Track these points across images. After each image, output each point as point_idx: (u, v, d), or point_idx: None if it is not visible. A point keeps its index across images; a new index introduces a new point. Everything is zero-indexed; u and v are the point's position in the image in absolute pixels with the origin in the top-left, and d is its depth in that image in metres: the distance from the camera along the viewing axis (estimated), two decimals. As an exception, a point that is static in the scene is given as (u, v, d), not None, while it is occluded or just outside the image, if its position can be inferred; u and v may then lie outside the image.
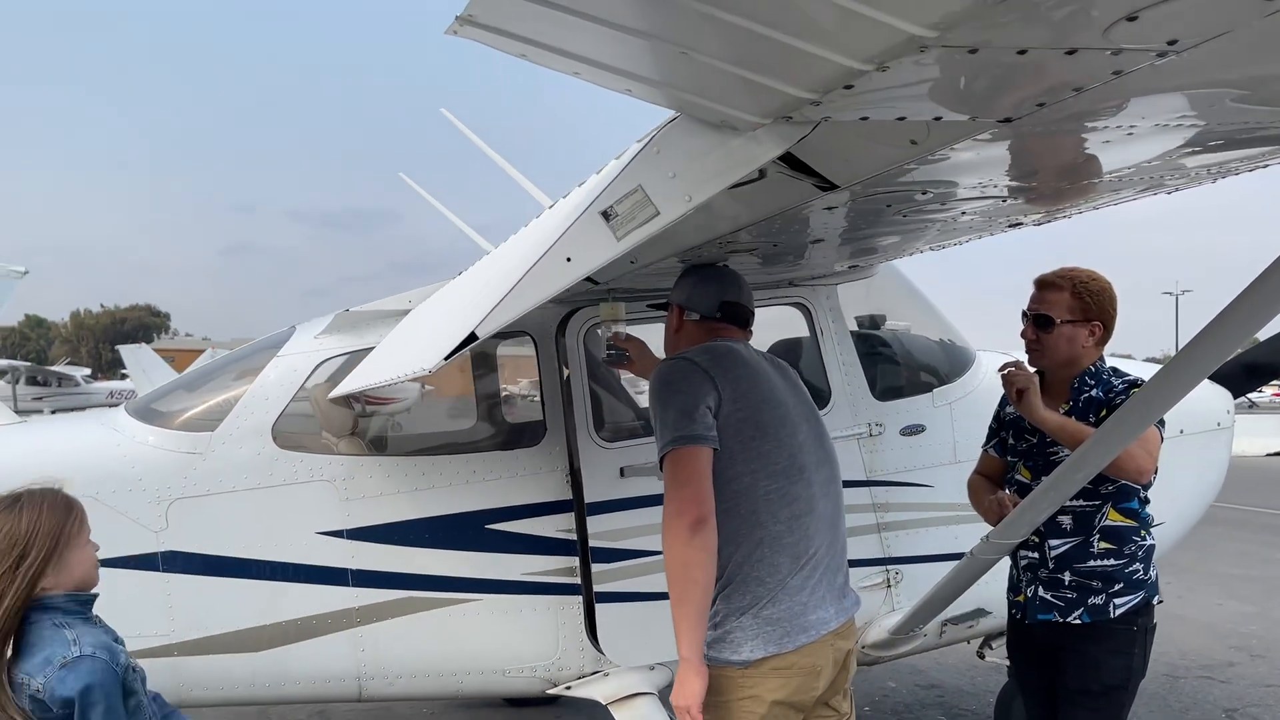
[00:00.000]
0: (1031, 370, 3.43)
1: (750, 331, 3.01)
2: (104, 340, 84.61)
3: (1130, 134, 1.82)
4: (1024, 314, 3.44)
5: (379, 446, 4.28)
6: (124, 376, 36.21)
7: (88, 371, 49.43)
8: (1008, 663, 5.29)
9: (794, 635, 2.64)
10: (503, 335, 4.41)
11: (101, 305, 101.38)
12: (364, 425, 4.28)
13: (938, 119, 1.55)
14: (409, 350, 3.06)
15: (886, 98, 1.44)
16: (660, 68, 1.47)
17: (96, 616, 2.54)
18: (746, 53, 1.34)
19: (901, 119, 1.56)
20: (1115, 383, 3.36)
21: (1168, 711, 6.00)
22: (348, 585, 3.87)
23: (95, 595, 2.53)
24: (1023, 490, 3.44)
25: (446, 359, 1.86)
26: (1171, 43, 1.24)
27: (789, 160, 1.98)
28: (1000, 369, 3.46)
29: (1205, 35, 1.22)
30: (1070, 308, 3.32)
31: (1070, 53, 1.26)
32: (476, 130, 9.54)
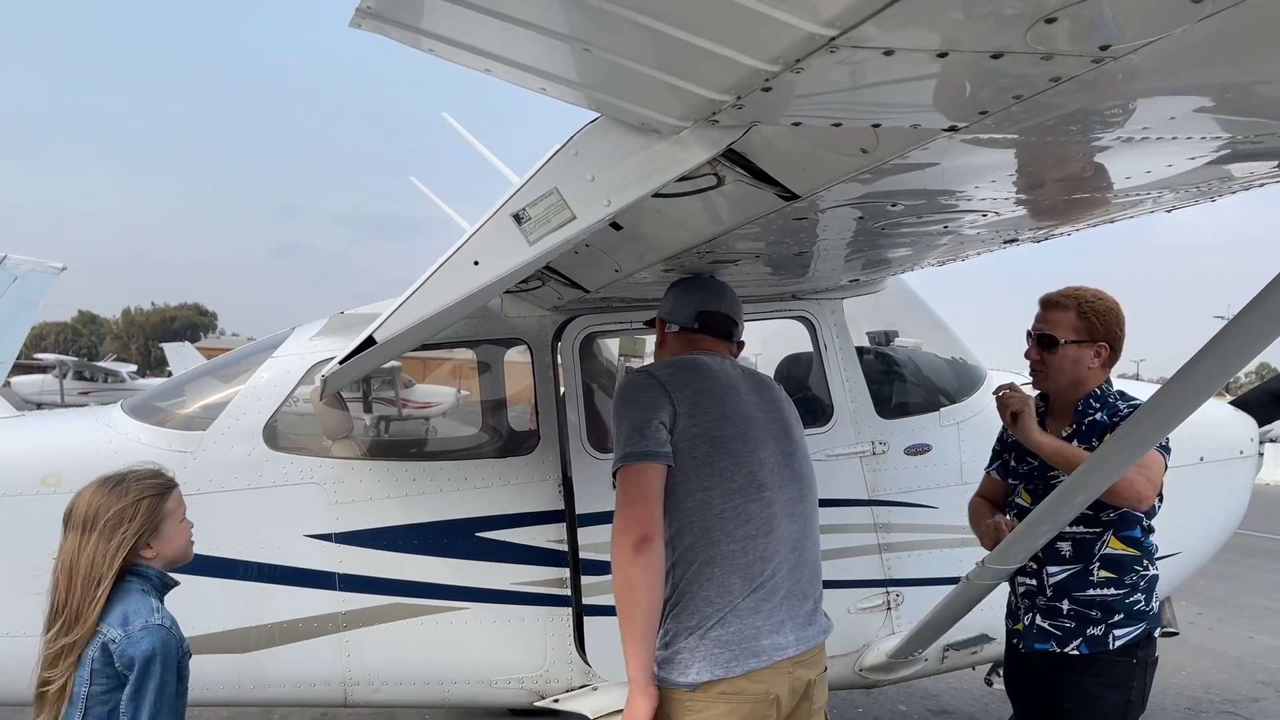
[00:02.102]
0: (1029, 391, 3.34)
1: (734, 343, 2.93)
2: (153, 337, 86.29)
3: (1099, 146, 1.75)
4: (1028, 334, 3.35)
5: (371, 450, 4.27)
6: (169, 374, 36.83)
7: (134, 368, 50.33)
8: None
9: (743, 659, 2.52)
10: (503, 342, 4.40)
11: (152, 303, 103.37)
12: (358, 429, 4.27)
13: (877, 125, 1.49)
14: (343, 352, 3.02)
15: (814, 102, 1.38)
16: (572, 67, 1.42)
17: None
18: (656, 52, 1.29)
19: (838, 125, 1.50)
20: (1121, 407, 3.25)
21: (1186, 747, 5.81)
22: (335, 589, 3.86)
23: (178, 583, 2.74)
24: (1021, 514, 3.34)
25: (341, 363, 1.82)
26: (1104, 48, 1.17)
27: (750, 169, 1.93)
28: (995, 391, 3.37)
29: (1139, 40, 1.14)
30: (1075, 328, 3.22)
31: (996, 56, 1.19)
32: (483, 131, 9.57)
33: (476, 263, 1.68)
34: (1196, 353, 2.61)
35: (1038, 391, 3.44)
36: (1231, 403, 5.08)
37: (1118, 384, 3.45)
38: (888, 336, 5.09)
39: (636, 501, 2.52)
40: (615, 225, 2.54)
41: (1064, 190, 2.16)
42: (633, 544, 2.48)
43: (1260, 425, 4.95)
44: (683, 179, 1.95)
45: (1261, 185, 2.23)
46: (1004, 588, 3.51)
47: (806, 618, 2.69)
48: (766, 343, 5.94)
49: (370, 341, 1.73)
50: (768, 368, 5.00)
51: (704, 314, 2.84)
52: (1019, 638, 3.36)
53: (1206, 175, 2.15)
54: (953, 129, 1.47)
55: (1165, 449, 3.15)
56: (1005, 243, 2.99)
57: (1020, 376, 4.89)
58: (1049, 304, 3.29)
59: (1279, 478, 24.16)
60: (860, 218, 2.26)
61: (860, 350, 4.54)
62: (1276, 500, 19.72)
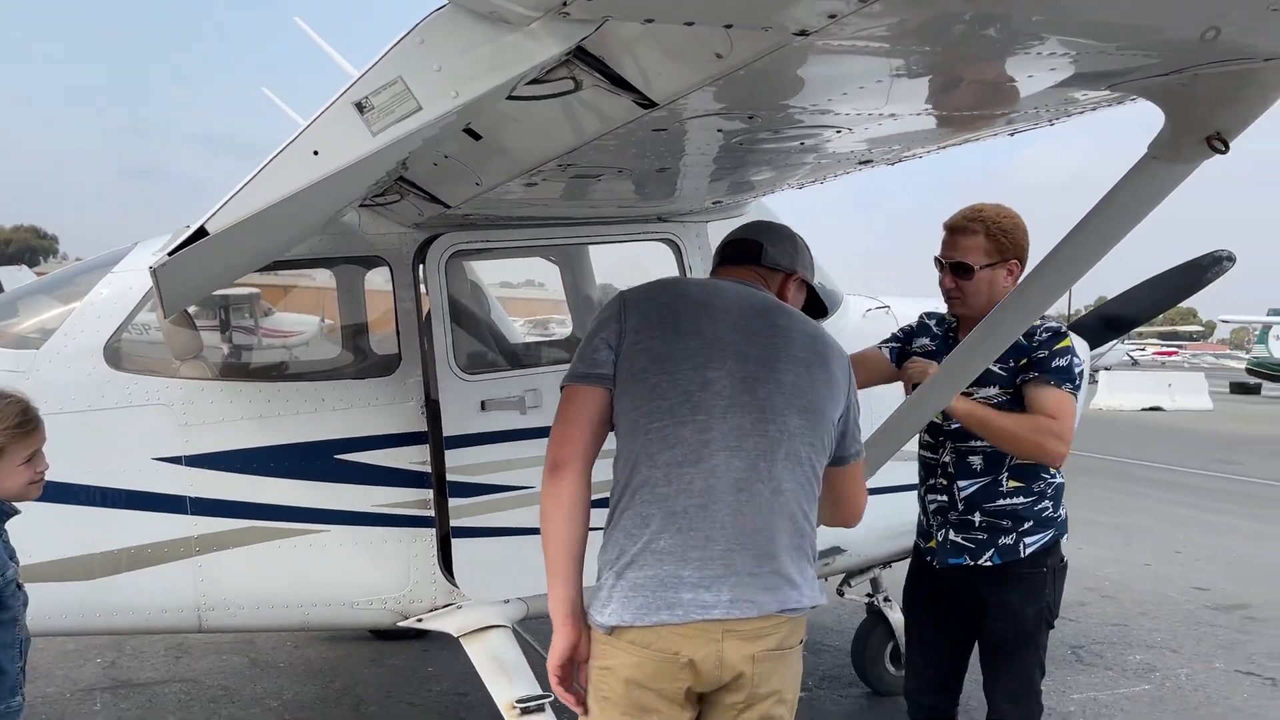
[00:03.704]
0: (927, 363, 3.35)
1: (757, 267, 2.58)
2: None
3: (947, 60, 1.80)
4: (938, 262, 3.31)
5: (222, 371, 4.12)
6: (4, 301, 34.43)
7: (-35, 295, 46.88)
8: (866, 599, 5.48)
9: (654, 610, 2.23)
10: (362, 260, 4.28)
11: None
12: (208, 349, 4.11)
13: (729, 26, 1.50)
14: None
15: (664, -2, 1.37)
16: (417, -51, 1.37)
17: (5, 531, 2.72)
18: (503, -64, 1.25)
19: (690, 24, 1.49)
20: (1034, 328, 3.20)
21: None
22: (186, 513, 3.74)
23: (17, 511, 2.68)
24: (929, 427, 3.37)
25: (171, 254, 1.74)
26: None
27: (608, 74, 1.91)
28: (902, 369, 3.44)
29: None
30: (987, 250, 3.20)
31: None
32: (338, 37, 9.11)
33: (316, 152, 1.61)
34: (1033, 269, 2.77)
35: (953, 318, 3.44)
36: (1069, 327, 5.38)
37: None
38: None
39: (556, 425, 2.37)
40: (474, 134, 2.48)
41: (914, 107, 2.22)
42: (546, 470, 2.34)
43: (1092, 349, 5.26)
44: (539, 82, 1.92)
45: (1094, 109, 2.33)
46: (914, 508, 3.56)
47: (757, 580, 2.26)
48: (630, 266, 5.95)
49: (203, 232, 1.64)
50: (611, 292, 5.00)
51: (726, 244, 2.66)
52: (932, 555, 3.38)
53: (1047, 98, 2.24)
54: (803, 33, 1.48)
55: (1075, 386, 3.17)
56: (860, 164, 3.06)
57: (873, 301, 5.08)
58: (956, 230, 3.25)
59: (1109, 404, 25.95)
60: (719, 130, 2.27)
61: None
62: (1112, 424, 21.18)
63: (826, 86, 1.96)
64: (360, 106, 1.58)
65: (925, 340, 3.50)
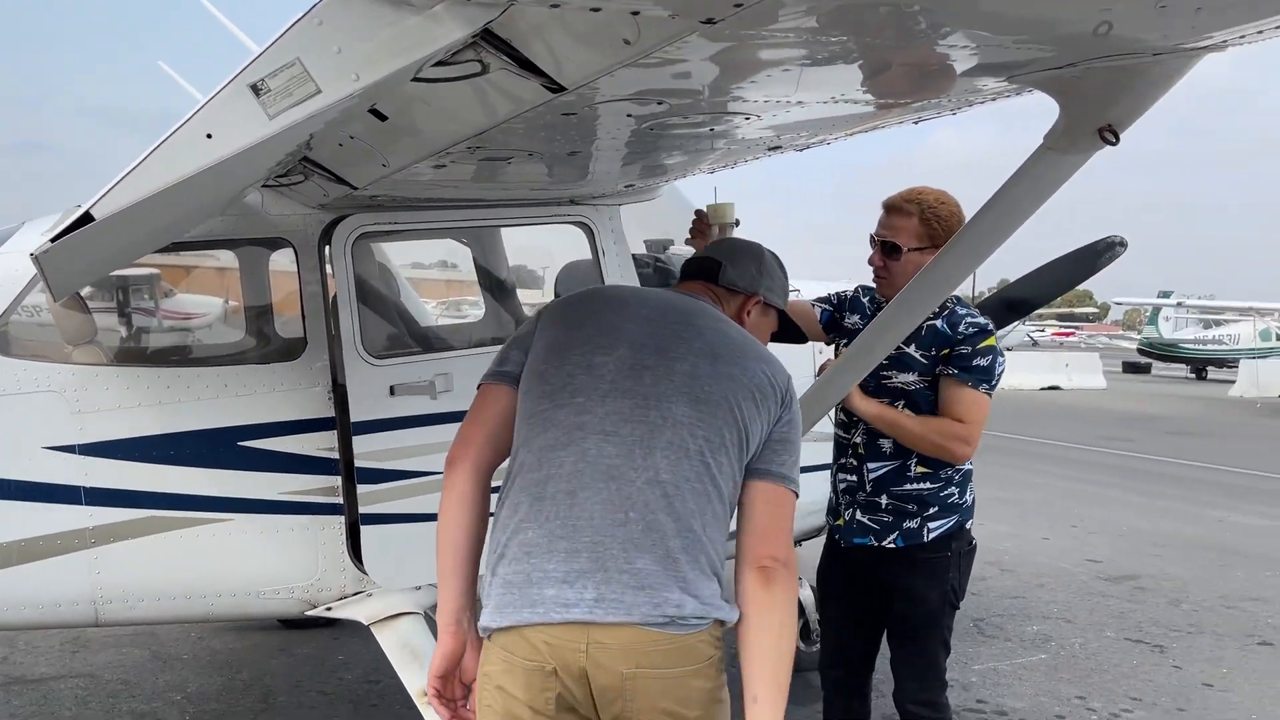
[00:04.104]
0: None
1: (713, 285, 2.47)
2: None
3: (852, 50, 1.82)
4: (872, 239, 3.32)
5: (118, 356, 3.97)
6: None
7: None
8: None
9: (517, 608, 2.07)
10: (266, 242, 4.17)
11: None
12: (104, 332, 3.96)
13: (636, 13, 1.49)
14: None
15: (571, -19, 1.36)
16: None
17: None
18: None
19: (597, 10, 1.48)
20: (960, 313, 3.24)
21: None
22: (81, 504, 3.60)
23: None
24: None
25: (54, 240, 1.67)
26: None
27: (516, 58, 1.89)
28: (820, 368, 3.48)
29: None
30: (919, 234, 3.20)
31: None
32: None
33: (209, 135, 1.55)
34: (935, 255, 2.84)
35: (881, 297, 3.42)
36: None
37: None
38: (663, 245, 5.20)
39: (462, 424, 2.32)
40: (380, 115, 2.43)
41: (822, 95, 2.24)
42: (445, 467, 2.28)
43: (995, 329, 5.42)
44: (446, 64, 1.89)
45: (995, 99, 2.39)
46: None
47: (629, 579, 2.04)
48: (546, 249, 5.92)
49: (88, 217, 1.57)
50: (534, 276, 4.99)
51: (687, 261, 2.61)
52: (840, 533, 3.41)
53: (949, 88, 2.29)
54: (709, 21, 1.49)
55: (991, 387, 3.22)
56: (770, 149, 3.08)
57: (811, 283, 5.13)
58: (893, 209, 3.26)
59: (1009, 383, 26.81)
60: (630, 115, 2.26)
61: (636, 258, 4.60)
62: (1012, 402, 21.88)
63: (734, 74, 1.97)
64: (256, 89, 1.52)
65: (857, 318, 3.51)
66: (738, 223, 3.71)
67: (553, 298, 5.27)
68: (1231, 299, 37.05)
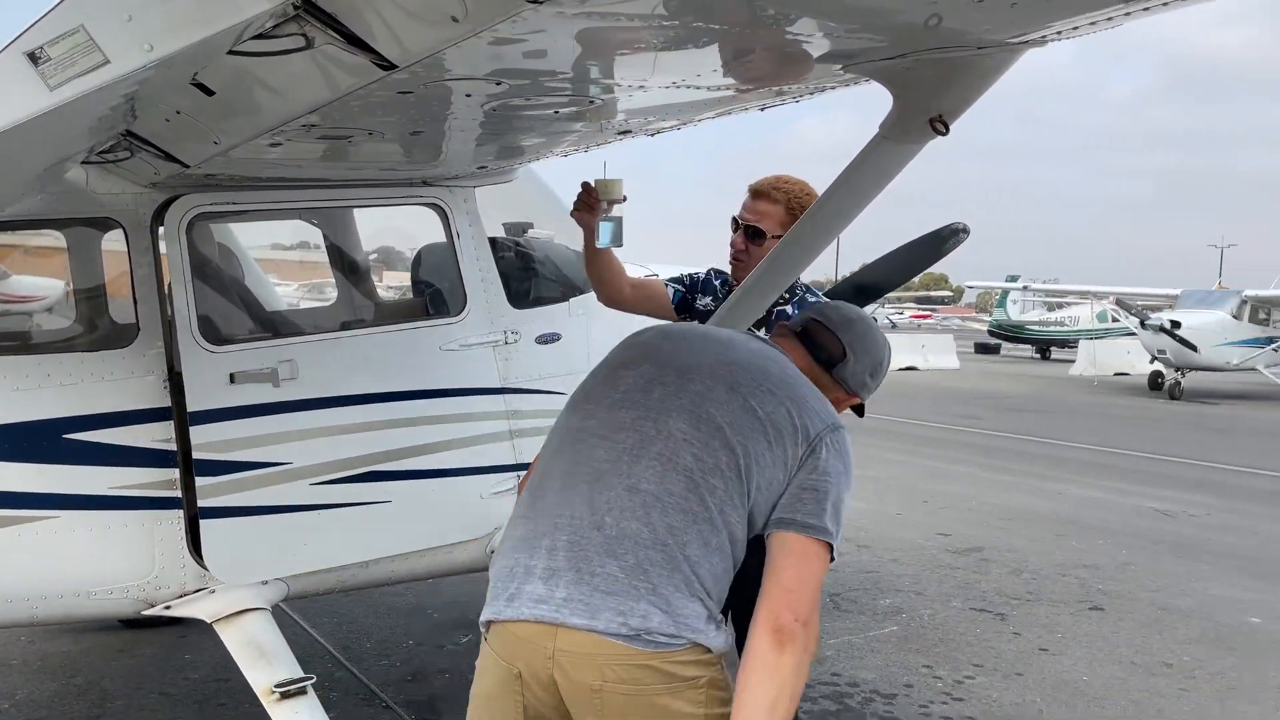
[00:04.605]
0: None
1: (821, 370, 2.37)
2: None
3: (685, 35, 1.81)
4: (735, 221, 3.34)
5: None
6: None
7: None
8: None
9: (499, 601, 2.08)
10: (93, 222, 3.92)
11: None
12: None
13: (465, -11, 1.45)
14: None
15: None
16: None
17: None
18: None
19: (421, -14, 1.44)
20: (810, 299, 3.34)
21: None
22: (-117, 504, 3.32)
23: None
24: None
25: None
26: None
27: (343, 33, 1.81)
28: None
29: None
30: (783, 222, 3.25)
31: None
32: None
33: (-19, 108, 1.43)
34: (779, 243, 2.88)
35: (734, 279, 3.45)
36: (825, 295, 5.66)
37: None
38: (522, 228, 5.14)
39: None
40: (206, 90, 2.31)
41: (662, 81, 2.23)
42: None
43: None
44: (267, 37, 1.80)
45: (834, 89, 2.43)
46: None
47: (600, 584, 1.99)
48: (399, 232, 5.79)
49: None
50: (401, 257, 4.86)
51: (809, 322, 2.44)
52: None
53: (789, 75, 2.31)
54: (536, 0, 1.45)
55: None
56: (620, 134, 3.07)
57: (645, 270, 5.15)
58: (760, 194, 3.31)
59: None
60: (468, 95, 2.20)
61: (494, 241, 4.53)
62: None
63: (569, 56, 1.94)
64: (34, 57, 1.40)
65: (708, 300, 3.55)
66: (625, 199, 3.72)
67: (410, 283, 5.17)
68: (1073, 283, 39.22)
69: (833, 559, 2.12)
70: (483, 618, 2.13)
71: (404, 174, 3.93)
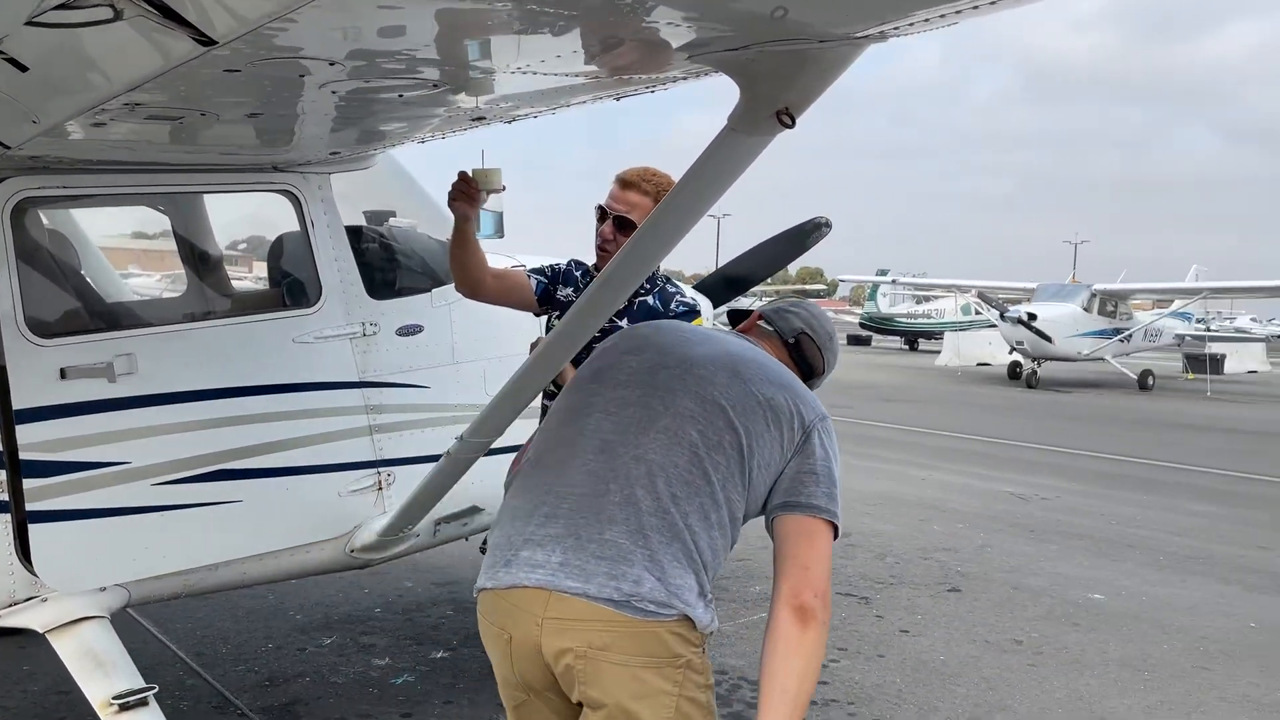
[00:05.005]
0: None
1: (778, 347, 2.59)
2: None
3: (502, 20, 1.76)
4: (602, 210, 3.33)
5: None
6: None
7: None
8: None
9: (496, 568, 2.16)
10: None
11: None
12: None
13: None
14: None
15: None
16: None
17: None
18: None
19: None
20: (670, 290, 3.35)
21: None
22: None
23: None
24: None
25: None
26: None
27: (157, 6, 1.70)
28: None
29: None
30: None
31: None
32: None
33: None
34: (634, 234, 2.86)
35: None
36: (694, 287, 5.69)
37: None
38: (383, 216, 5.00)
39: None
40: (18, 65, 2.15)
41: (504, 66, 2.18)
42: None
43: (715, 307, 5.62)
44: (71, 8, 1.67)
45: (685, 79, 2.42)
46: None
47: (597, 550, 2.06)
48: (270, 222, 5.58)
49: None
50: (252, 248, 4.66)
51: (804, 336, 2.60)
52: None
53: (638, 65, 2.29)
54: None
55: None
56: (474, 120, 2.99)
57: (509, 260, 5.08)
58: (630, 184, 3.31)
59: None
60: (302, 76, 2.10)
61: (353, 229, 4.40)
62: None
63: (405, 35, 1.87)
64: None
65: (570, 291, 3.54)
66: (504, 188, 3.65)
67: (266, 272, 4.97)
68: (940, 277, 40.74)
69: (836, 537, 2.24)
70: (478, 585, 2.21)
71: (251, 159, 3.76)
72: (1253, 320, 65.42)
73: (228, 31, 1.70)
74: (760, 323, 2.62)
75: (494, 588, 2.15)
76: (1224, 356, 30.65)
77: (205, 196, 4.48)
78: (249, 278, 6.87)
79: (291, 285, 4.35)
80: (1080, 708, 5.05)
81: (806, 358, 2.55)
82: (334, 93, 2.31)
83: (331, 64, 1.97)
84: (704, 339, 2.45)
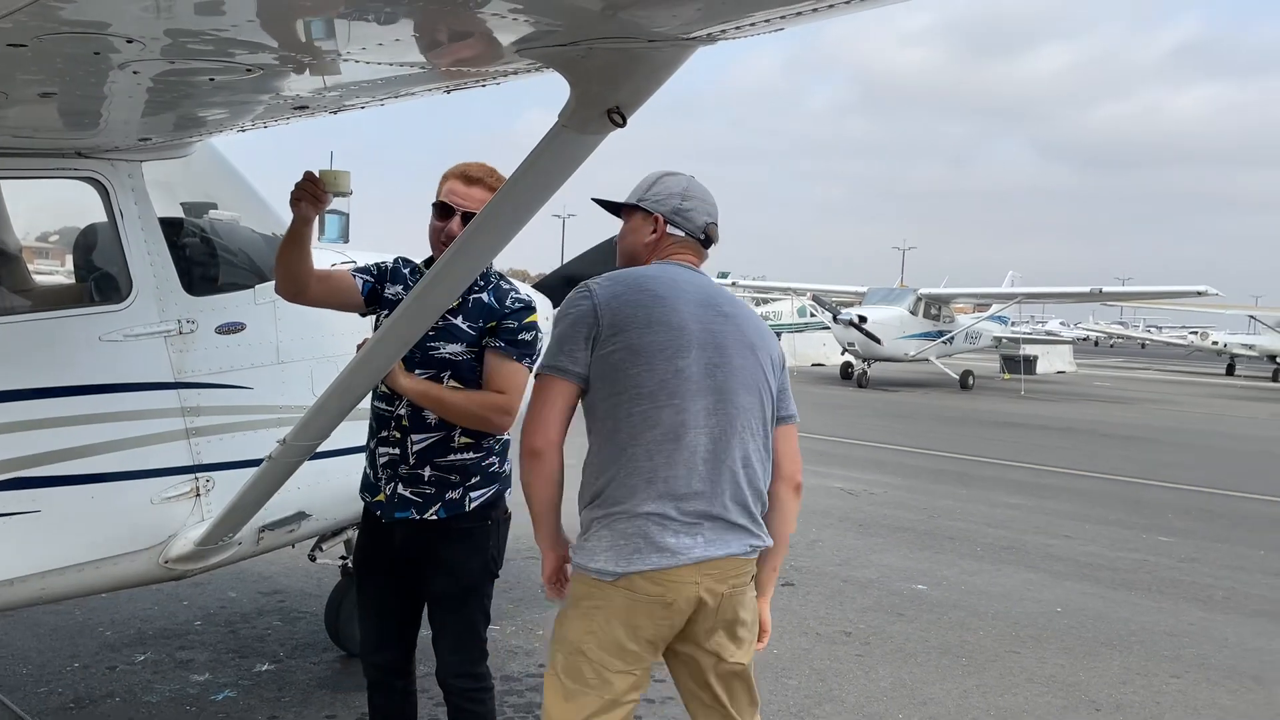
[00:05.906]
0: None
1: (699, 247, 3.00)
2: None
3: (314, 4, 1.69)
4: (446, 206, 3.27)
5: None
6: None
7: None
8: (339, 562, 5.35)
9: (645, 554, 2.63)
10: None
11: None
12: None
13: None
14: None
15: None
16: None
17: None
18: None
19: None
20: (505, 287, 3.35)
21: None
22: None
23: None
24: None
25: None
26: None
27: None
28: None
29: None
30: None
31: None
32: None
33: None
34: (465, 230, 2.80)
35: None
36: (534, 286, 5.65)
37: None
38: (203, 208, 4.73)
39: (537, 412, 2.72)
40: None
41: (322, 54, 2.09)
42: (525, 453, 2.74)
43: (554, 307, 5.59)
44: None
45: (517, 75, 2.38)
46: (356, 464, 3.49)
47: (725, 527, 2.73)
48: (60, 211, 5.20)
49: None
50: (65, 240, 4.33)
51: (711, 226, 2.98)
52: (380, 509, 3.35)
53: (469, 59, 2.23)
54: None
55: (533, 360, 3.26)
56: (296, 109, 2.86)
57: (340, 256, 4.91)
58: (474, 180, 3.26)
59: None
60: (97, 54, 1.95)
61: (169, 221, 4.14)
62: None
63: (205, 13, 1.75)
64: None
65: (398, 289, 3.44)
66: (352, 193, 3.51)
67: (71, 264, 4.62)
68: (778, 280, 41.98)
69: None
70: (625, 568, 2.62)
71: (50, 143, 3.49)
72: (1061, 324, 70.41)
73: (9, 1, 1.56)
74: (670, 230, 2.93)
75: (647, 571, 2.63)
76: (1036, 358, 32.83)
77: None
78: (61, 271, 6.40)
79: (99, 279, 4.06)
80: (903, 695, 5.27)
81: (713, 240, 3.01)
82: (136, 73, 2.15)
83: (130, 41, 1.83)
84: (698, 307, 2.82)
